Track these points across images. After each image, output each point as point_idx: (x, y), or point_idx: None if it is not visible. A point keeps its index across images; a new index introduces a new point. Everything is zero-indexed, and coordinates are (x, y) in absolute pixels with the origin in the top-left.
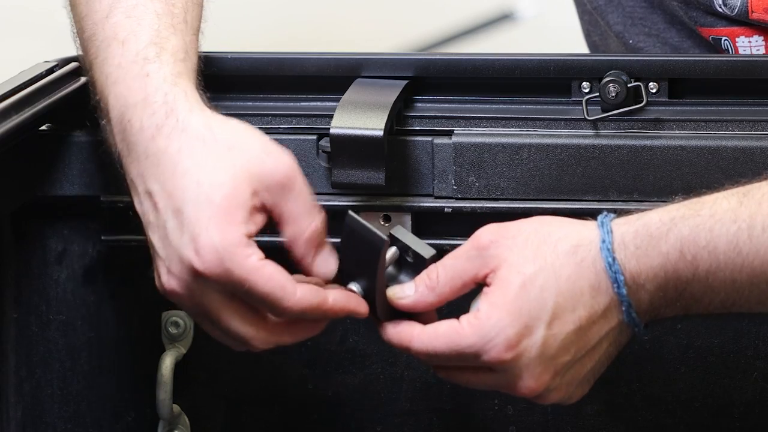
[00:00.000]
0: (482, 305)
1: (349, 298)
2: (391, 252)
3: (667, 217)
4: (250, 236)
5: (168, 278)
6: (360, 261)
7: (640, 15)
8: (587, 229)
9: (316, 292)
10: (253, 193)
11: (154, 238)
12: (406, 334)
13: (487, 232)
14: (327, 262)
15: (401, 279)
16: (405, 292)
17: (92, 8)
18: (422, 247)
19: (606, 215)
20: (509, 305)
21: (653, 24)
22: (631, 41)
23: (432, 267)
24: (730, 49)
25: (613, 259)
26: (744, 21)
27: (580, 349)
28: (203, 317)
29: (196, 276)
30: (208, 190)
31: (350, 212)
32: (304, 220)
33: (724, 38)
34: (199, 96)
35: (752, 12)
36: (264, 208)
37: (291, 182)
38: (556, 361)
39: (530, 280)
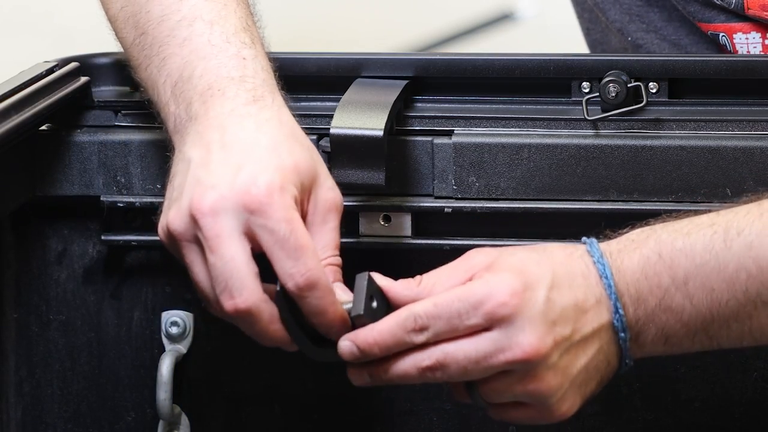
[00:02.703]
0: (485, 274)
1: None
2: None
3: (648, 228)
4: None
5: (201, 200)
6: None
7: (637, 11)
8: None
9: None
10: (308, 190)
11: (200, 171)
12: (404, 309)
13: (478, 252)
14: (343, 293)
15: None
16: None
17: None
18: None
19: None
20: (511, 268)
21: (651, 21)
22: (630, 38)
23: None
24: (727, 45)
25: (601, 254)
26: (742, 15)
27: (576, 331)
28: (194, 253)
29: (239, 203)
30: (285, 152)
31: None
32: (326, 252)
33: (721, 34)
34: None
35: (748, 9)
36: (301, 214)
37: (337, 213)
38: (556, 330)
39: (528, 257)
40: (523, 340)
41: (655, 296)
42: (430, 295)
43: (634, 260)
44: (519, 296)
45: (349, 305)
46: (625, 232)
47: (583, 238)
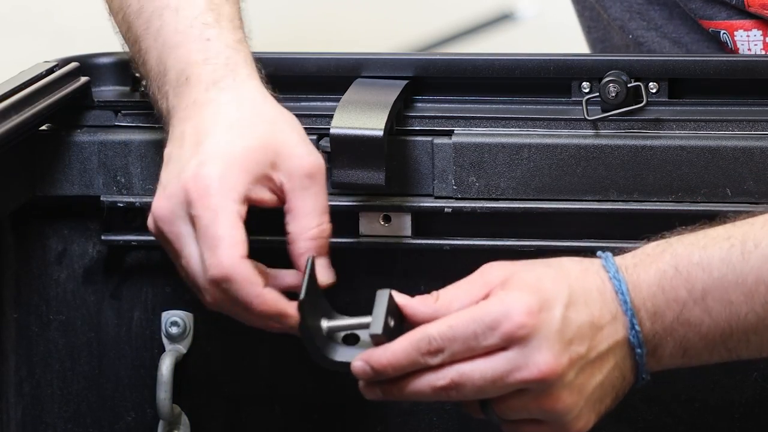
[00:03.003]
0: (500, 292)
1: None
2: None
3: (663, 241)
4: (247, 197)
5: (158, 200)
6: None
7: (638, 9)
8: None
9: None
10: (272, 166)
11: (166, 170)
12: (419, 331)
13: (494, 267)
14: (324, 270)
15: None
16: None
17: None
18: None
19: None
20: (528, 287)
21: (652, 18)
22: (630, 35)
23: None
24: (728, 42)
25: (617, 269)
26: (743, 12)
27: (592, 348)
28: (171, 245)
29: (182, 197)
30: (236, 136)
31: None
32: (313, 219)
33: (722, 32)
34: (255, 67)
35: (748, 6)
36: (275, 189)
37: (315, 178)
38: (572, 348)
39: (544, 274)
40: (540, 360)
41: (672, 310)
42: (447, 312)
43: (650, 274)
44: (535, 316)
45: (365, 319)
46: (640, 246)
47: (599, 252)
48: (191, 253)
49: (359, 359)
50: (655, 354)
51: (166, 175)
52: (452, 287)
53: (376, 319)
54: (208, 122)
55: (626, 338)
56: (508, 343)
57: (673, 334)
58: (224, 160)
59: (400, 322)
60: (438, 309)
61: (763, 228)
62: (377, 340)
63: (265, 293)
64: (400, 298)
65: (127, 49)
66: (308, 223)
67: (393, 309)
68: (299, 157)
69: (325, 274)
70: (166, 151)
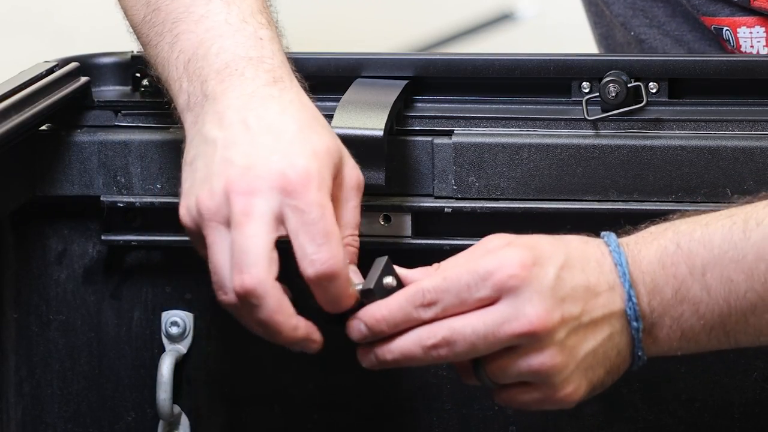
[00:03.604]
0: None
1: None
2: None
3: (665, 222)
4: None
5: (237, 175)
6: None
7: (641, 6)
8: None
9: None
10: (335, 169)
11: (231, 150)
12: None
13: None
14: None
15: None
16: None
17: None
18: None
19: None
20: (524, 245)
21: (654, 15)
22: (632, 32)
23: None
24: (731, 39)
25: (617, 244)
26: (746, 8)
27: (586, 312)
28: (235, 218)
29: (278, 183)
30: (316, 136)
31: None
32: (347, 230)
33: (725, 28)
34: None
35: (753, 1)
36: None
37: (359, 192)
38: (565, 306)
39: (542, 238)
40: (530, 311)
41: (671, 286)
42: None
43: (651, 250)
44: (528, 269)
45: (361, 285)
46: (644, 228)
47: (602, 233)
48: (254, 232)
49: (354, 317)
50: (652, 332)
51: (239, 155)
52: (453, 257)
53: (369, 279)
54: (277, 117)
55: (623, 310)
56: (499, 293)
57: (670, 311)
58: (316, 157)
59: (399, 289)
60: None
61: (766, 208)
62: (368, 297)
63: (353, 293)
64: (401, 270)
65: (134, 28)
66: (345, 233)
67: (391, 274)
68: (352, 169)
69: (357, 279)
70: (210, 135)
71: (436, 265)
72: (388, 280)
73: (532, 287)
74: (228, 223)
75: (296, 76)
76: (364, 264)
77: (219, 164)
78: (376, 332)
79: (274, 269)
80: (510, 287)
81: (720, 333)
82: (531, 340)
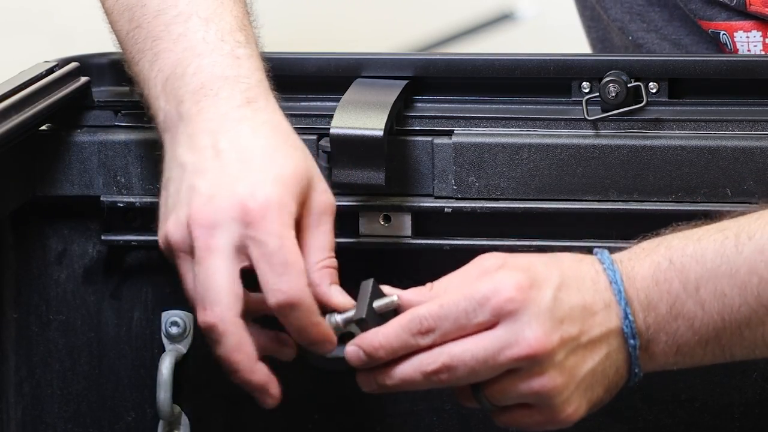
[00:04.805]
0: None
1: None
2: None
3: (657, 237)
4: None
5: (199, 206)
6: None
7: (638, 10)
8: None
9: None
10: (300, 196)
11: (202, 178)
12: (409, 312)
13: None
14: (340, 295)
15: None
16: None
17: None
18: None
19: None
20: (519, 267)
21: (652, 20)
22: (630, 37)
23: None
24: (728, 43)
25: (611, 262)
26: (743, 12)
27: (584, 332)
28: (198, 253)
29: (237, 213)
30: (283, 160)
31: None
32: (322, 253)
33: (722, 32)
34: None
35: (750, 5)
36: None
37: (330, 216)
38: (563, 328)
39: (536, 259)
40: (530, 335)
41: (665, 302)
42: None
43: (644, 267)
44: (525, 292)
45: (351, 313)
46: (636, 243)
47: (595, 250)
48: (215, 267)
49: (352, 344)
50: (648, 349)
51: (204, 183)
52: (446, 277)
53: (360, 306)
54: (248, 140)
55: (619, 328)
56: (497, 318)
57: (666, 327)
58: (279, 184)
59: (393, 313)
60: (432, 298)
61: (758, 221)
62: (363, 326)
63: (322, 321)
64: (393, 290)
65: (119, 43)
66: (319, 257)
67: (380, 297)
68: (322, 192)
69: (342, 299)
70: (181, 159)
71: (429, 285)
72: (379, 303)
73: (530, 310)
74: (193, 254)
75: (274, 95)
76: (368, 268)
77: (185, 192)
78: (375, 359)
79: (238, 305)
80: (508, 311)
81: (716, 347)
82: (531, 364)
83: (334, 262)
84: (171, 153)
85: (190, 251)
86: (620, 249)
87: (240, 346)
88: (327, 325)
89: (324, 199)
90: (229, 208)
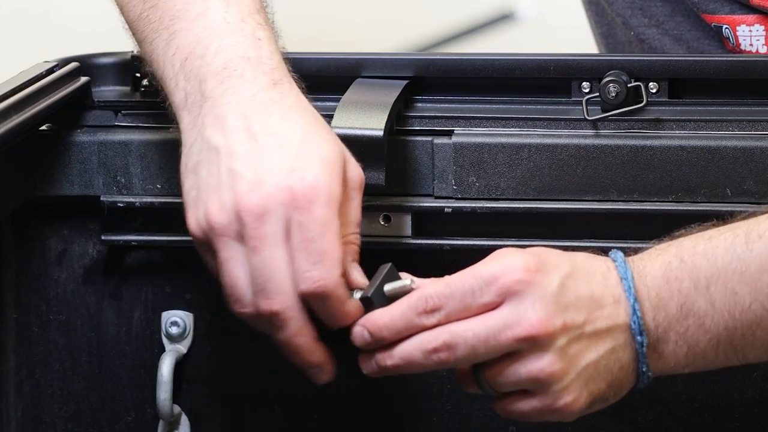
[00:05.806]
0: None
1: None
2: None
3: (669, 239)
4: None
5: (248, 192)
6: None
7: (641, 5)
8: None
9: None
10: (342, 173)
11: (239, 161)
12: (416, 292)
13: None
14: (358, 274)
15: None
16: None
17: None
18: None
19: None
20: (531, 252)
21: (654, 15)
22: (632, 32)
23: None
24: (731, 37)
25: (624, 260)
26: (746, 6)
27: (589, 322)
28: (248, 240)
29: (285, 197)
30: (323, 143)
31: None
32: (348, 227)
33: (725, 26)
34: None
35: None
36: None
37: (360, 191)
38: (568, 314)
39: (548, 249)
40: (532, 316)
41: (675, 301)
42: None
43: (655, 266)
44: (532, 274)
45: (361, 293)
46: (647, 245)
47: (610, 252)
48: (273, 256)
49: (357, 324)
50: (657, 348)
51: (245, 167)
52: (462, 272)
53: (370, 287)
54: (281, 124)
55: (627, 324)
56: (503, 297)
57: (676, 326)
58: (324, 166)
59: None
60: None
61: None
62: (368, 306)
63: (350, 310)
64: (410, 277)
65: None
66: (345, 230)
67: (393, 281)
68: (354, 168)
69: (360, 279)
70: (212, 142)
71: (447, 277)
72: (390, 287)
73: (535, 293)
74: (240, 238)
75: (294, 77)
76: (368, 268)
77: (226, 175)
78: (379, 339)
79: (296, 289)
80: (514, 292)
81: (727, 348)
82: (531, 345)
83: (358, 238)
84: (197, 134)
85: (236, 236)
86: (620, 249)
87: (302, 330)
88: (355, 312)
89: (356, 174)
90: (278, 192)
